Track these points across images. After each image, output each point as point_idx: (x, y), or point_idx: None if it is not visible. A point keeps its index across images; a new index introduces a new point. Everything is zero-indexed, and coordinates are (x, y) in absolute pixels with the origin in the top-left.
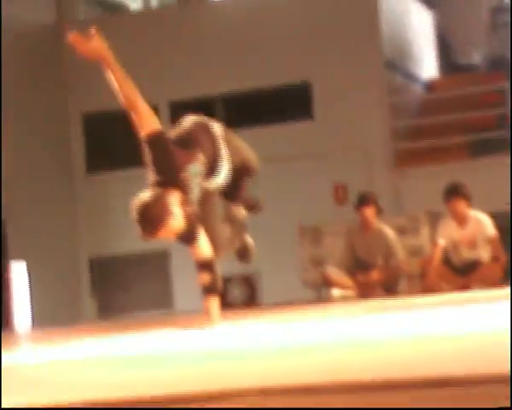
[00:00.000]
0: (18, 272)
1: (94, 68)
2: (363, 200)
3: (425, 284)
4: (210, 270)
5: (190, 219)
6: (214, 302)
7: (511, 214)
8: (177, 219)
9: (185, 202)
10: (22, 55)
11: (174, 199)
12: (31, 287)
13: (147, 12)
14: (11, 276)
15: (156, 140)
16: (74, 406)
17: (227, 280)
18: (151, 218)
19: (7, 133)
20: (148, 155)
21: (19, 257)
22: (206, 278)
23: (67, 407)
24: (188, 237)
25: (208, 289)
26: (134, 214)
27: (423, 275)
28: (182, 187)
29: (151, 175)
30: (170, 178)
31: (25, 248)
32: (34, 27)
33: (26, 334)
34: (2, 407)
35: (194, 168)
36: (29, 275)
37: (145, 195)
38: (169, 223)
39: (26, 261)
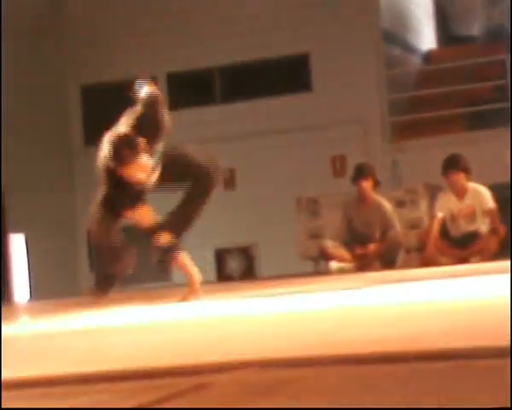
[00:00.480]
0: (17, 244)
1: (92, 40)
2: (361, 172)
3: (423, 256)
4: (164, 229)
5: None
6: (186, 258)
7: (511, 188)
8: (144, 163)
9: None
10: (21, 26)
11: (145, 147)
12: (29, 259)
13: None
14: (10, 248)
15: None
16: (73, 377)
17: (225, 252)
18: (125, 148)
19: (6, 107)
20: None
21: (17, 230)
22: (165, 238)
23: (65, 378)
24: (138, 200)
25: (173, 248)
26: (107, 144)
27: (422, 248)
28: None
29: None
30: (150, 135)
31: (23, 221)
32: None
33: (25, 306)
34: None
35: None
36: (27, 247)
37: (121, 129)
38: (138, 161)
39: (25, 234)
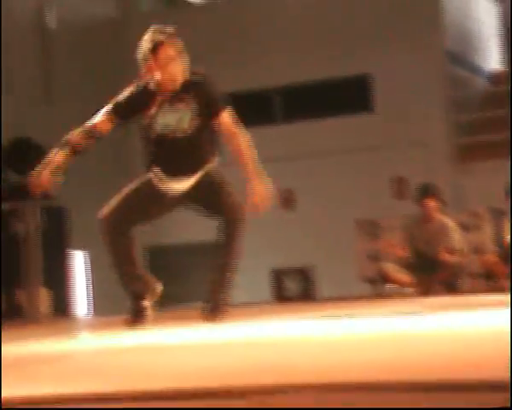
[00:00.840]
0: (79, 260)
1: None
2: (426, 191)
3: (491, 282)
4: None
5: None
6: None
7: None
8: (179, 68)
9: None
10: (86, 48)
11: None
12: (92, 276)
13: (209, 4)
14: (73, 265)
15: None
16: (127, 394)
17: (282, 272)
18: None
19: (70, 124)
20: None
21: (80, 247)
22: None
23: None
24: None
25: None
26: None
27: (485, 273)
28: None
29: None
30: None
31: (86, 238)
32: (99, 21)
33: (87, 322)
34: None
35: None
36: (90, 264)
37: None
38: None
39: (88, 251)
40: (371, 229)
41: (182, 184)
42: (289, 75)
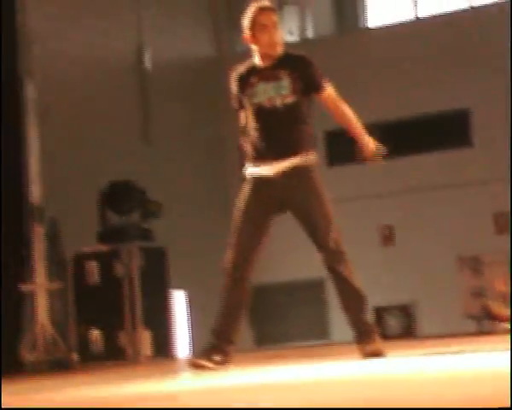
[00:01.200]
0: (179, 300)
1: None
2: None
3: None
4: None
5: None
6: None
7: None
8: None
9: None
10: (183, 88)
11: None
12: (191, 315)
13: (303, 42)
14: (172, 305)
15: None
16: None
17: (383, 310)
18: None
19: (168, 165)
20: None
21: (179, 286)
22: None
23: None
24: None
25: None
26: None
27: None
28: None
29: None
30: None
31: (185, 278)
32: (195, 60)
33: (187, 361)
34: None
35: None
36: (189, 303)
37: None
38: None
39: (187, 290)
40: (474, 265)
41: (275, 168)
42: (388, 111)
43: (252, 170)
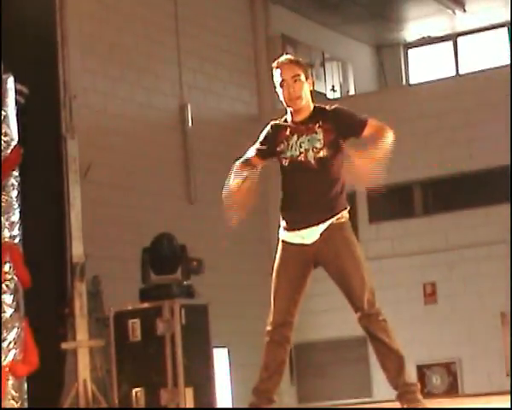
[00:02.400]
0: (220, 357)
1: None
2: None
3: None
4: None
5: None
6: None
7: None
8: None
9: None
10: (225, 145)
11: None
12: (232, 373)
13: (345, 99)
14: (214, 361)
15: None
16: None
17: (426, 367)
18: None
19: (210, 223)
20: None
21: (221, 344)
22: None
23: None
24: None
25: None
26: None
27: None
28: None
29: None
30: None
31: (227, 335)
32: (237, 118)
33: None
34: None
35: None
36: (231, 361)
37: None
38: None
39: (228, 348)
40: None
41: (311, 237)
42: (428, 168)
43: (287, 235)
